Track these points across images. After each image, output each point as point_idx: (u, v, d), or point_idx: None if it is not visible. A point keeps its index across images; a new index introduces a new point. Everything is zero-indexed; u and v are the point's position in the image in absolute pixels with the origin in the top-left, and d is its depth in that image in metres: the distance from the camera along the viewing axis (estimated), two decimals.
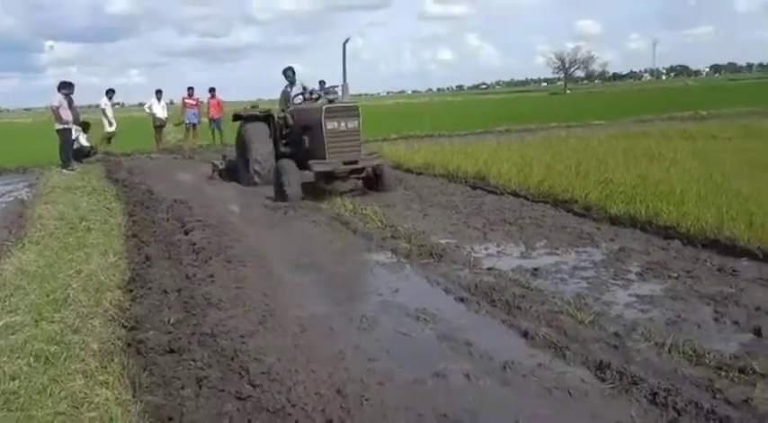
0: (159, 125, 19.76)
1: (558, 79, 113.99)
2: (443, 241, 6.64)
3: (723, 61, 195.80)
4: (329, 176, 9.95)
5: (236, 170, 12.26)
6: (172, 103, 22.18)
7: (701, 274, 5.32)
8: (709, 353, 3.70)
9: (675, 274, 5.29)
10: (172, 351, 3.93)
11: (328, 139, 9.62)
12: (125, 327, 4.35)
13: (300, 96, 11.65)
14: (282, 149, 11.26)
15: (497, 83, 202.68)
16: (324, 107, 9.77)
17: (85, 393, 3.24)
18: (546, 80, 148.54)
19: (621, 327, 4.19)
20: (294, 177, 9.44)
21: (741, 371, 3.47)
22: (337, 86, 10.70)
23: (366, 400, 3.34)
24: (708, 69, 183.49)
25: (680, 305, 4.62)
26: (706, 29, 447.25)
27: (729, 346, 3.85)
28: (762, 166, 9.60)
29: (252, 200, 10.10)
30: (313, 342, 4.17)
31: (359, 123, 9.90)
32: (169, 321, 4.41)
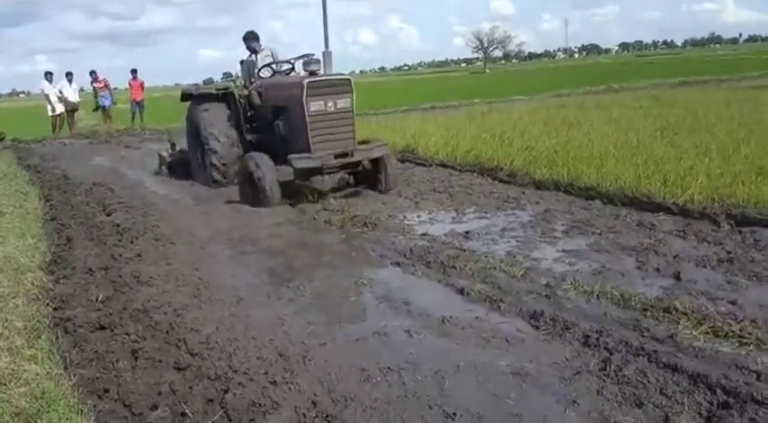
0: (71, 109, 18.82)
1: (478, 59, 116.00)
2: (376, 211, 6.66)
3: (631, 40, 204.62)
4: (312, 173, 7.53)
5: (188, 164, 9.63)
6: (82, 90, 21.12)
7: (621, 228, 5.57)
8: (634, 297, 3.89)
9: (598, 231, 5.52)
10: (102, 327, 3.79)
11: (313, 125, 7.11)
12: (50, 306, 4.15)
13: (268, 69, 8.72)
14: (249, 138, 8.65)
15: (419, 64, 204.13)
16: (305, 82, 7.06)
17: (13, 370, 3.08)
18: (465, 61, 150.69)
19: (552, 278, 4.35)
20: (271, 175, 7.04)
21: (665, 310, 3.67)
22: (313, 54, 7.90)
23: (309, 360, 3.33)
24: (617, 47, 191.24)
25: (604, 257, 4.83)
26: (612, 8, 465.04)
27: (653, 290, 4.06)
28: (672, 128, 10.11)
29: (179, 181, 9.75)
30: (251, 311, 4.12)
31: (352, 102, 7.33)
32: (98, 299, 4.24)
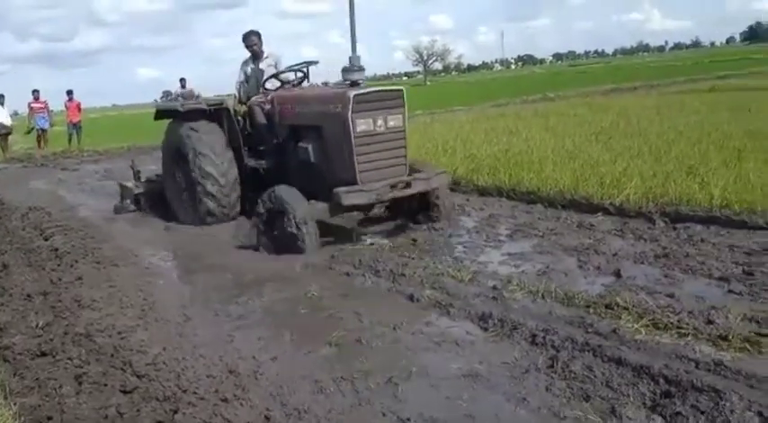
0: (5, 133, 18.12)
1: (418, 73, 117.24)
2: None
3: (564, 50, 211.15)
4: (354, 209, 6.04)
5: (162, 197, 7.73)
6: (16, 114, 20.38)
7: (562, 230, 5.74)
8: (578, 295, 4.01)
9: (541, 233, 5.66)
10: (44, 354, 3.65)
11: (360, 149, 5.56)
12: None
13: (273, 80, 7.11)
14: (251, 164, 6.94)
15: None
16: (351, 94, 5.50)
17: None
18: (407, 74, 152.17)
19: (498, 281, 4.43)
20: (307, 213, 5.50)
21: (607, 307, 3.79)
22: (313, 63, 7.19)
23: (260, 375, 3.30)
24: (551, 58, 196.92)
25: (548, 258, 4.95)
26: (546, 20, 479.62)
27: (595, 288, 4.19)
28: (606, 133, 10.46)
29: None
30: (199, 329, 4.05)
31: (404, 119, 5.86)
32: (37, 325, 4.09)
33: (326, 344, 3.64)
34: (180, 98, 7.83)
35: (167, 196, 7.56)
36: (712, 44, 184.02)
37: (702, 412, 2.67)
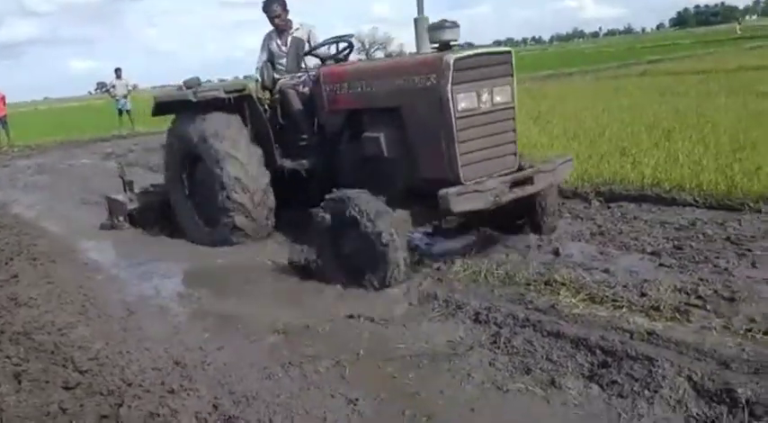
0: None
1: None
2: None
3: (502, 37, 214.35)
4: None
5: (166, 209, 6.25)
6: None
7: None
8: (518, 274, 4.12)
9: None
10: None
11: (463, 133, 4.20)
12: None
13: (315, 57, 5.63)
14: (286, 164, 5.53)
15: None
16: (450, 59, 4.07)
17: None
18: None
19: (442, 263, 4.52)
20: (394, 226, 4.13)
21: (546, 283, 3.93)
22: (349, 36, 5.66)
23: (208, 364, 3.28)
24: (492, 44, 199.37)
25: (489, 238, 5.06)
26: (485, 8, 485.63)
27: (535, 266, 4.31)
28: (544, 118, 10.67)
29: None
30: (143, 323, 3.99)
31: (513, 92, 4.50)
32: None
33: (274, 332, 3.65)
34: (182, 87, 5.82)
35: (176, 210, 6.05)
36: (643, 30, 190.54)
37: (636, 379, 2.80)
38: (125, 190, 6.69)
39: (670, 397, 2.67)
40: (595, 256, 4.48)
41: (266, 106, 5.75)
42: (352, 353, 3.28)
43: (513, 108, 4.48)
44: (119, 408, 2.87)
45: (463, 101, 4.16)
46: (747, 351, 2.89)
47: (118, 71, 18.53)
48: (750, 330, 3.11)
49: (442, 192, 3.99)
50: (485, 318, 3.53)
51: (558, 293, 3.76)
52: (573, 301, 3.62)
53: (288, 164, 5.49)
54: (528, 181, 4.39)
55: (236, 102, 5.53)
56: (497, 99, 4.35)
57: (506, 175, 4.35)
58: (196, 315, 4.10)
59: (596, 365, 2.99)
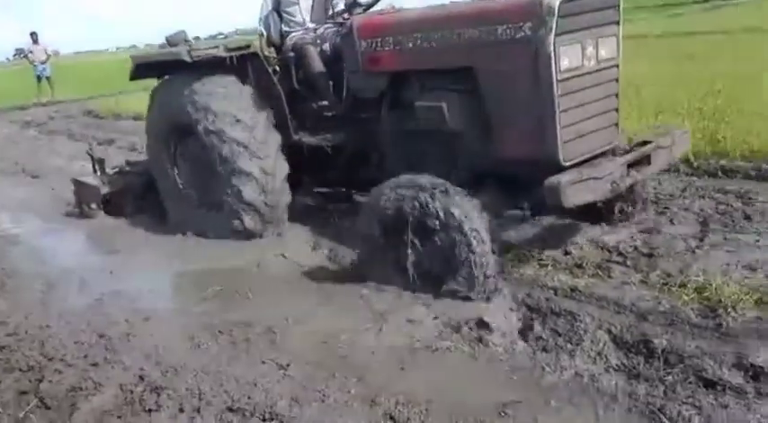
0: None
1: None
2: None
3: None
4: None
5: (148, 195, 5.31)
6: None
7: None
8: None
9: None
10: None
11: (565, 98, 3.26)
12: None
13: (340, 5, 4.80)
14: (307, 139, 4.62)
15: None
16: (556, 2, 3.08)
17: None
18: (237, 33, 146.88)
19: None
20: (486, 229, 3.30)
21: None
22: None
23: (133, 336, 3.20)
24: None
25: None
26: None
27: None
28: None
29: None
30: (64, 295, 3.85)
31: (619, 45, 3.55)
32: None
33: (201, 300, 3.59)
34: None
35: (162, 197, 5.07)
36: None
37: (560, 334, 2.90)
38: (95, 171, 5.63)
39: (591, 349, 2.78)
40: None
41: (276, 67, 4.78)
42: (282, 318, 3.26)
43: (618, 66, 3.55)
44: (39, 383, 2.79)
45: (567, 57, 3.22)
46: (663, 304, 3.02)
47: (34, 35, 17.47)
48: (666, 284, 3.25)
49: (552, 181, 3.11)
50: None
51: None
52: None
53: (307, 138, 4.55)
54: (645, 160, 3.56)
55: (239, 63, 4.54)
56: (602, 54, 3.42)
57: (613, 152, 3.58)
58: (124, 287, 3.96)
59: (522, 322, 3.08)
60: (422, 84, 3.85)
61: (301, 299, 3.53)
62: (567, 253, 3.73)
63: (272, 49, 4.95)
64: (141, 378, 2.78)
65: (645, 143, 3.64)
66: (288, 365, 2.82)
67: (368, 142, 4.35)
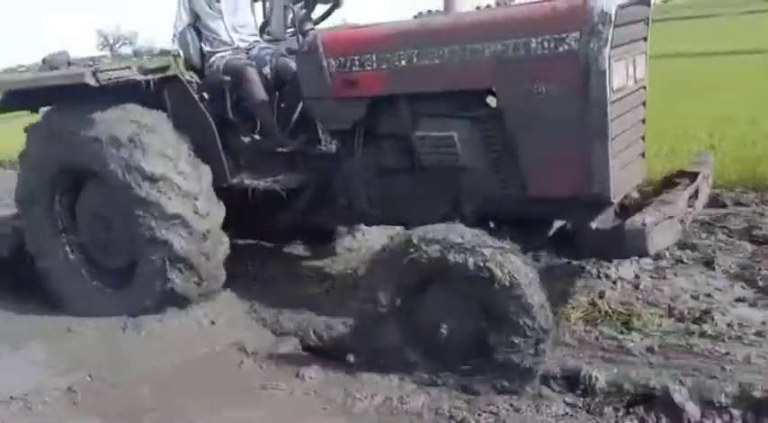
0: None
1: (105, 57, 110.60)
2: None
3: None
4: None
5: (22, 264, 4.18)
6: None
7: None
8: None
9: None
10: None
11: (616, 125, 2.77)
12: None
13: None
14: (250, 181, 3.78)
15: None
16: (612, 6, 2.60)
17: None
18: (92, 59, 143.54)
19: None
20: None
21: None
22: None
23: None
24: None
25: None
26: None
27: None
28: None
29: None
30: None
31: (647, 65, 3.12)
32: None
33: None
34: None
35: (39, 265, 4.00)
36: None
37: None
38: None
39: None
40: None
41: (204, 94, 3.93)
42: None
43: (646, 87, 3.12)
44: None
45: (618, 75, 2.74)
46: None
47: None
48: None
49: (636, 224, 2.63)
50: None
51: None
52: None
53: (251, 181, 3.74)
54: (695, 193, 3.10)
55: (157, 88, 3.70)
56: (637, 73, 2.97)
57: (654, 188, 3.17)
58: None
59: None
60: (417, 110, 3.19)
61: None
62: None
63: (192, 73, 4.15)
64: None
65: (681, 174, 3.23)
66: None
67: (332, 184, 3.62)
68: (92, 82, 3.47)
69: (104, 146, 3.51)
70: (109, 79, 3.51)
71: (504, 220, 3.03)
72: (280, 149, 3.77)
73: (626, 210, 3.00)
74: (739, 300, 3.29)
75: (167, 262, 3.45)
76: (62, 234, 3.91)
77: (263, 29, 4.16)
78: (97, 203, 3.77)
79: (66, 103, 3.79)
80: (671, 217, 2.73)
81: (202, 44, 4.08)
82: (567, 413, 2.50)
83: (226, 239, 3.70)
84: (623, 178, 2.87)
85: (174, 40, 4.15)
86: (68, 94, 3.65)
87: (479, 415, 2.41)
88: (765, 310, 3.16)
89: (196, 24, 4.08)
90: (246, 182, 3.74)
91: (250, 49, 4.09)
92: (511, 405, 2.48)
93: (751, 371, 2.57)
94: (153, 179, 3.43)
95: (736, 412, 2.38)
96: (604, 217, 2.80)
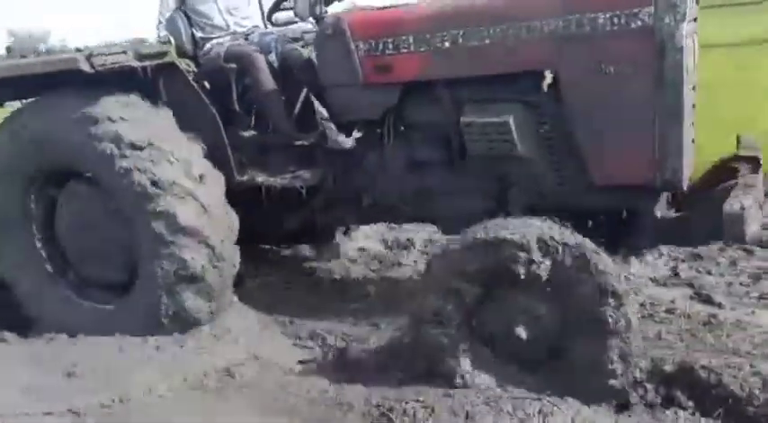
0: None
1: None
2: None
3: None
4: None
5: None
6: None
7: None
8: None
9: None
10: None
11: (689, 106, 2.67)
12: None
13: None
14: (263, 179, 3.40)
15: None
16: None
17: None
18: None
19: None
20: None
21: None
22: None
23: None
24: None
25: None
26: None
27: None
28: None
29: None
30: None
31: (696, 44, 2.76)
32: None
33: None
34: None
35: (11, 281, 3.49)
36: None
37: None
38: None
39: None
40: None
41: (204, 83, 3.58)
42: None
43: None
44: None
45: (690, 53, 2.61)
46: None
47: None
48: None
49: (734, 208, 2.48)
50: None
51: None
52: None
53: (264, 178, 3.37)
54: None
55: (153, 76, 3.28)
56: (696, 54, 2.79)
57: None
58: None
59: None
60: (460, 95, 2.96)
61: None
62: None
63: (188, 61, 3.69)
64: None
65: (736, 159, 3.03)
66: None
67: (354, 179, 3.32)
68: (86, 68, 3.02)
69: (98, 145, 3.03)
70: (104, 65, 3.05)
71: (555, 214, 2.56)
72: (296, 143, 3.41)
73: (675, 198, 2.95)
74: (652, 280, 3.58)
75: (177, 277, 3.02)
76: (39, 242, 3.39)
77: (271, 12, 3.65)
78: (79, 211, 3.31)
79: (47, 96, 3.29)
80: (758, 205, 2.61)
81: (193, 30, 3.75)
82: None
83: (238, 252, 3.27)
84: (688, 164, 2.72)
85: (158, 27, 3.95)
86: (48, 85, 3.21)
87: (407, 403, 2.33)
88: (674, 289, 3.47)
89: (183, 8, 3.78)
90: (259, 179, 3.37)
91: (249, 35, 3.77)
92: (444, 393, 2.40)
93: (662, 346, 2.72)
94: (162, 184, 2.99)
95: (649, 386, 2.42)
96: (660, 206, 2.71)
